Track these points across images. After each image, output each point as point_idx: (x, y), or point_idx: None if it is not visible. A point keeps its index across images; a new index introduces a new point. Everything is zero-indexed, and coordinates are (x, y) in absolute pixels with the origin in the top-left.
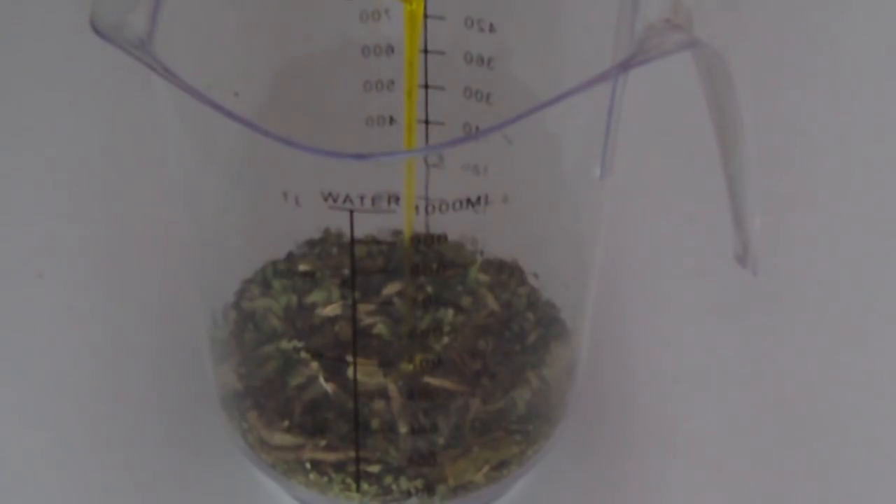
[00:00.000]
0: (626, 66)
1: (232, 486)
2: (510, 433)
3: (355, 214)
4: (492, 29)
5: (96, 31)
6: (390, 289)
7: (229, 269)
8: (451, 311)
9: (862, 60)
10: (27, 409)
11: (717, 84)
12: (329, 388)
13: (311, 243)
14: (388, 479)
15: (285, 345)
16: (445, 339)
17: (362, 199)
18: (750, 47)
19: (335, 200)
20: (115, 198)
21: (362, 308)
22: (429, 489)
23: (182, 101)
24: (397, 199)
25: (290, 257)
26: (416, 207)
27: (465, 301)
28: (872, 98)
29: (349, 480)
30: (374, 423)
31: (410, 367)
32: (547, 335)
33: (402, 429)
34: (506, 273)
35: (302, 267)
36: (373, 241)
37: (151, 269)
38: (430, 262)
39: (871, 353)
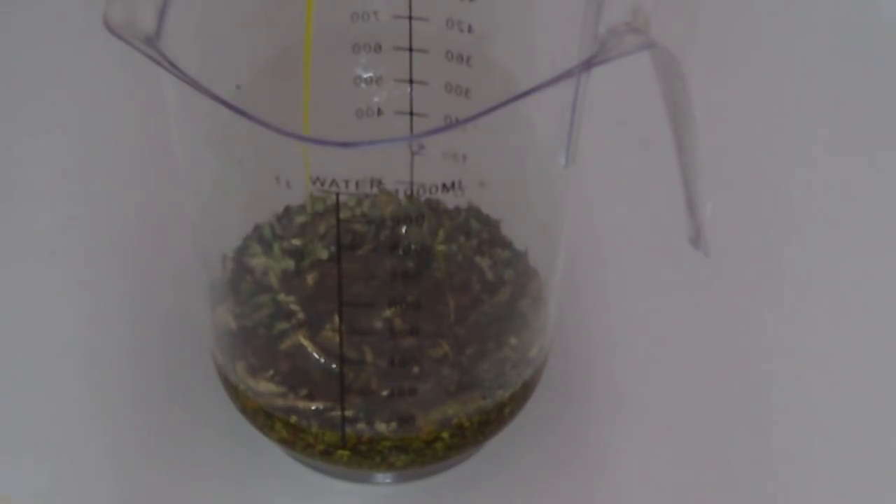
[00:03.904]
0: (588, 64)
1: (233, 450)
2: (482, 393)
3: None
4: (470, 30)
5: (109, 29)
6: (369, 247)
7: (227, 243)
8: (428, 266)
9: (800, 61)
10: (41, 375)
11: (671, 82)
12: (313, 343)
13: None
14: (362, 425)
15: (282, 298)
16: (420, 293)
17: (346, 182)
18: (702, 49)
19: (322, 184)
20: (124, 182)
21: (345, 267)
22: (405, 447)
23: (186, 94)
24: (380, 183)
25: (287, 212)
26: (396, 191)
27: (440, 256)
28: (810, 92)
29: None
30: (353, 376)
31: (389, 312)
32: (520, 298)
33: (383, 391)
34: (481, 228)
35: (296, 242)
36: (359, 215)
37: (157, 247)
38: (409, 216)
39: (805, 324)
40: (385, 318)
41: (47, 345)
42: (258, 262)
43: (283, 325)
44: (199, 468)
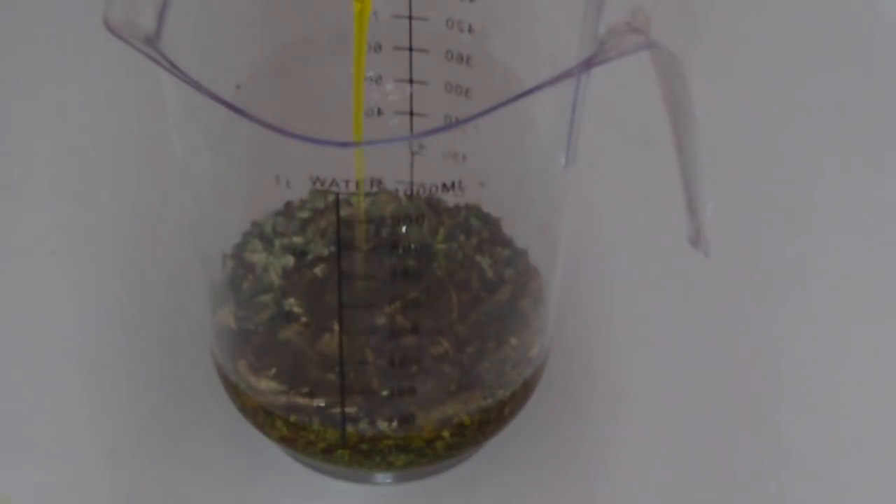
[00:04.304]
0: (588, 64)
1: (230, 446)
2: (483, 392)
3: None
4: (470, 30)
5: (109, 28)
6: (370, 245)
7: (226, 243)
8: (427, 263)
9: (801, 60)
10: (41, 375)
11: (672, 82)
12: (313, 341)
13: (303, 201)
14: (363, 424)
15: (282, 296)
16: (420, 292)
17: (347, 182)
18: (703, 49)
19: (322, 184)
20: (124, 183)
21: (346, 266)
22: (406, 446)
23: (186, 94)
24: (381, 183)
25: (288, 208)
26: (396, 190)
27: (441, 252)
28: (810, 93)
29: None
30: (354, 375)
31: (389, 311)
32: (521, 296)
33: (383, 390)
34: (483, 227)
35: (297, 239)
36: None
37: (156, 247)
38: (410, 215)
39: (807, 324)
40: (385, 316)
41: (47, 345)
42: (258, 258)
43: (283, 324)
44: (198, 468)
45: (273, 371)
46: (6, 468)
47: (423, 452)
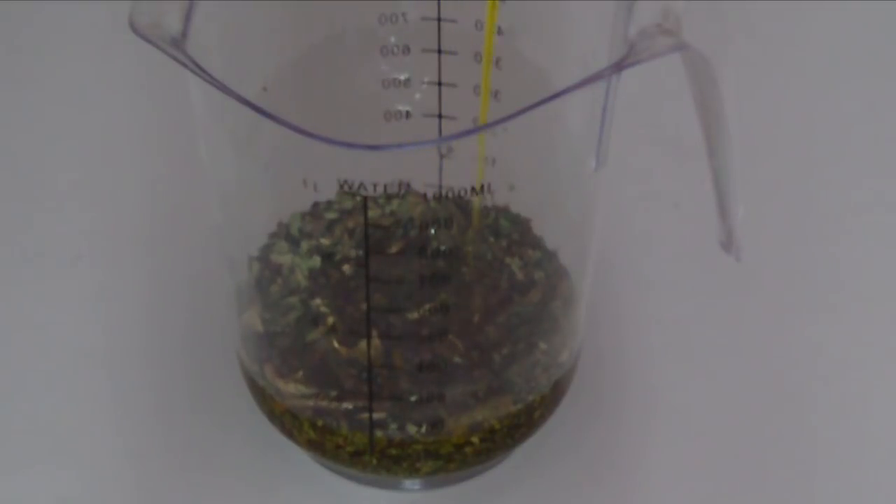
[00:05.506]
0: (619, 66)
1: (253, 450)
2: (513, 397)
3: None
4: (500, 31)
5: (135, 31)
6: (398, 248)
7: (252, 246)
8: (456, 267)
9: (834, 63)
10: (66, 380)
11: (703, 84)
12: (341, 345)
13: (330, 202)
14: (391, 428)
15: (310, 298)
16: (449, 295)
17: (375, 186)
18: (734, 51)
19: (350, 187)
20: (149, 186)
21: (374, 269)
22: (435, 451)
23: (212, 96)
24: (409, 186)
25: (315, 209)
26: (424, 194)
27: (469, 256)
28: (841, 96)
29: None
30: (382, 380)
31: (417, 315)
32: (551, 300)
33: (412, 395)
34: (514, 232)
35: (324, 241)
36: (387, 222)
37: (181, 251)
38: (439, 217)
39: (841, 328)
40: (414, 320)
41: (72, 349)
42: (285, 259)
43: (310, 326)
44: (224, 475)
45: (300, 374)
46: (29, 474)
47: (452, 458)
